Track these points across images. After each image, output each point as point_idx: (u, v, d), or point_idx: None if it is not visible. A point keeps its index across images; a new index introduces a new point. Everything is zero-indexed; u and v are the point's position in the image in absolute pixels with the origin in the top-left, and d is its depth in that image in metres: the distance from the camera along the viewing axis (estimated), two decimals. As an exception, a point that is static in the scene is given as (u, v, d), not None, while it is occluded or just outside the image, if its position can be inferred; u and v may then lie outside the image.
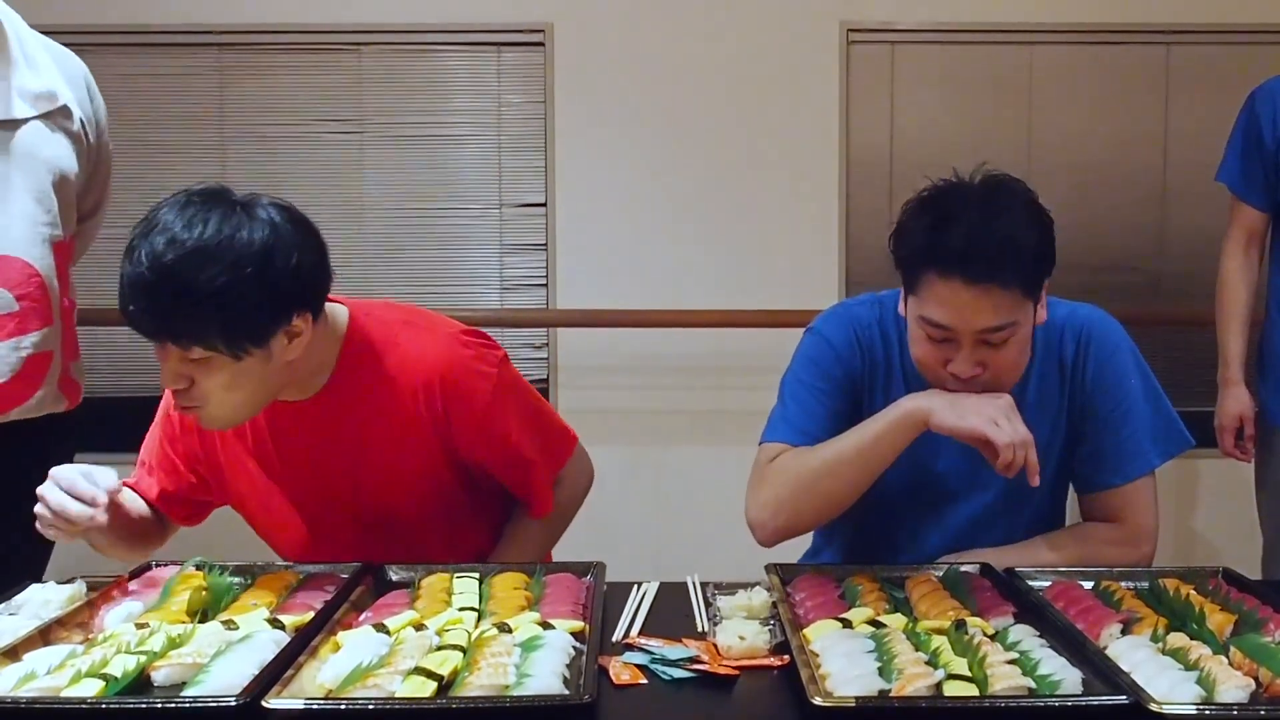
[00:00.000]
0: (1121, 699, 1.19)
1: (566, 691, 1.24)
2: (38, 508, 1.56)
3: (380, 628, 1.41)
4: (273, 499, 1.82)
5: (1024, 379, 1.74)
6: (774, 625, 1.47)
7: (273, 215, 1.56)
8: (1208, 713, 1.18)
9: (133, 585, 1.60)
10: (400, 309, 1.82)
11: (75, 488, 1.55)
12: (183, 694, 1.23)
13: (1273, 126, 2.50)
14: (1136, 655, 1.31)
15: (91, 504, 1.55)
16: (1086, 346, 1.79)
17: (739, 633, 1.42)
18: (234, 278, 1.49)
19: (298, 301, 1.58)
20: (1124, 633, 1.41)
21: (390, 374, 1.73)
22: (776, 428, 1.81)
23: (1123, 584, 1.61)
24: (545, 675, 1.25)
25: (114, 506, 1.67)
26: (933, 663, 1.30)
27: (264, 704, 1.18)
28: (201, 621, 1.49)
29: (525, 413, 1.84)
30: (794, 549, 2.07)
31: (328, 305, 1.69)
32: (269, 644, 1.35)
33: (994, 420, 1.56)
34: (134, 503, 1.84)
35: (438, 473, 1.80)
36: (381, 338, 1.74)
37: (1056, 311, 1.79)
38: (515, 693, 1.22)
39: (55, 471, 1.57)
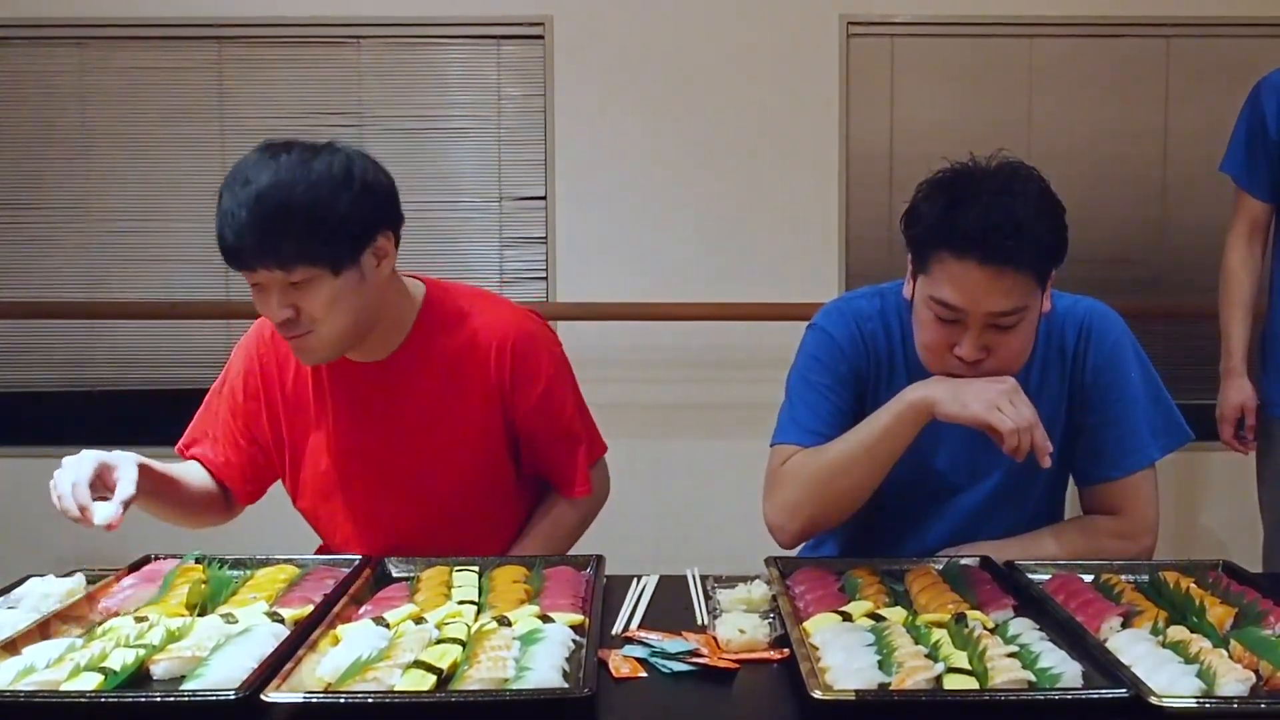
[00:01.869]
0: (1121, 692, 1.19)
1: (566, 685, 1.24)
2: (56, 500, 1.55)
3: (380, 621, 1.41)
4: (327, 468, 1.87)
5: (1026, 367, 1.73)
6: (774, 618, 1.47)
7: (348, 148, 1.70)
8: (1208, 706, 1.18)
9: (131, 578, 1.60)
10: (472, 286, 1.95)
11: (63, 495, 1.54)
12: (182, 687, 1.23)
13: (1277, 118, 2.51)
14: (1137, 648, 1.31)
15: (77, 516, 1.54)
16: (1088, 339, 1.79)
17: (739, 626, 1.42)
18: (321, 192, 1.61)
19: (381, 217, 1.71)
20: (1124, 626, 1.41)
21: (464, 338, 1.83)
22: (786, 429, 1.81)
23: (1123, 577, 1.61)
24: (544, 669, 1.25)
25: (169, 481, 1.76)
26: (933, 656, 1.30)
27: (263, 697, 1.18)
28: (201, 615, 1.49)
29: (577, 396, 1.94)
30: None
31: (405, 278, 1.83)
32: (268, 637, 1.35)
33: (996, 405, 1.56)
34: (195, 476, 1.88)
35: (492, 443, 1.87)
36: (456, 306, 1.86)
37: (1059, 304, 1.79)
38: (514, 686, 1.22)
39: (75, 477, 1.55)
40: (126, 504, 1.57)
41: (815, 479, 1.72)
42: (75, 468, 1.56)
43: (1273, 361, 2.63)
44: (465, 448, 1.85)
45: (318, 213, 1.60)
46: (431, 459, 1.85)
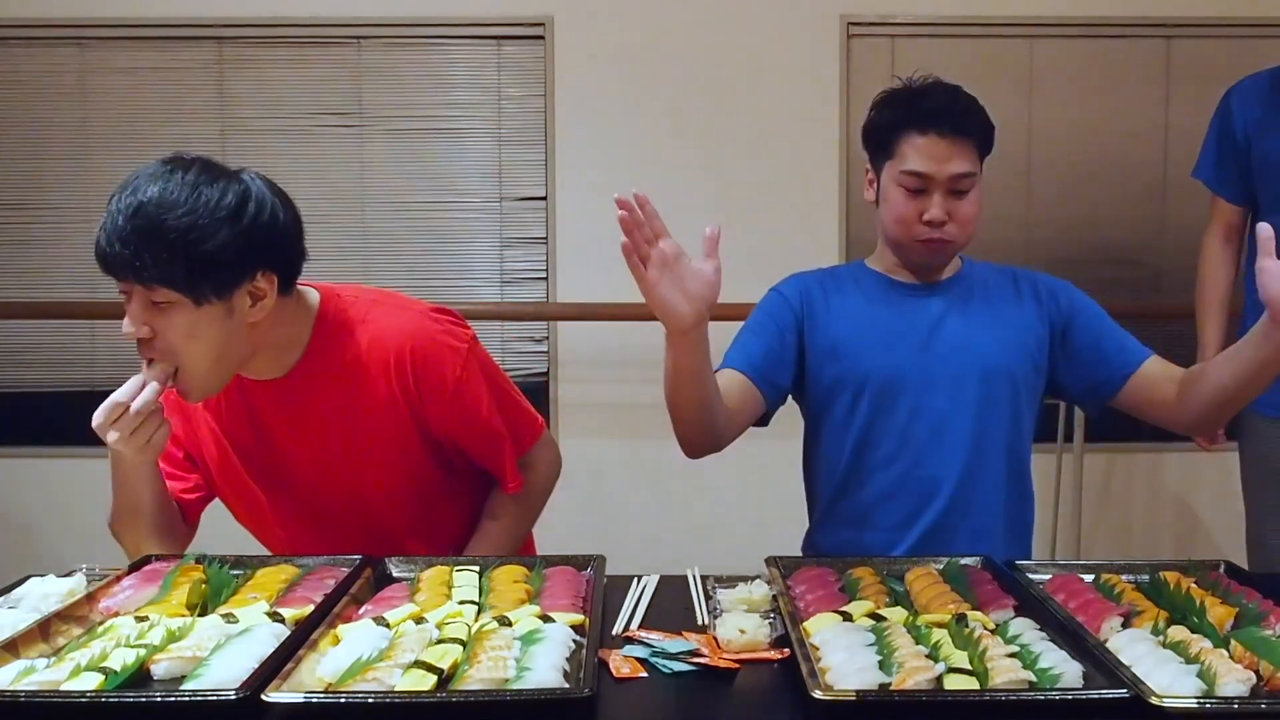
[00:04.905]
0: (1122, 692, 1.19)
1: (566, 685, 1.24)
2: (122, 435, 1.61)
3: (380, 621, 1.41)
4: (247, 482, 1.84)
5: (1012, 283, 1.99)
6: (774, 618, 1.47)
7: (253, 178, 1.66)
8: (1208, 706, 1.18)
9: (131, 578, 1.60)
10: (371, 290, 1.86)
11: (118, 398, 1.61)
12: (182, 687, 1.23)
13: (1244, 124, 2.58)
14: (1137, 649, 1.31)
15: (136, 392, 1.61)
16: (1053, 287, 2.00)
17: (739, 626, 1.42)
18: (201, 220, 1.57)
19: (263, 258, 1.64)
20: (1124, 626, 1.41)
21: (362, 350, 1.77)
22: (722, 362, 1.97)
23: (1123, 577, 1.61)
24: (545, 669, 1.25)
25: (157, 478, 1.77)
26: (933, 656, 1.30)
27: (263, 697, 1.18)
28: (201, 615, 1.49)
29: (495, 390, 1.87)
30: (795, 541, 2.07)
31: (301, 287, 1.75)
32: (268, 637, 1.35)
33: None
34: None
35: (410, 450, 1.82)
36: (353, 316, 1.79)
37: (1011, 268, 2.05)
38: (515, 686, 1.22)
39: (97, 417, 1.62)
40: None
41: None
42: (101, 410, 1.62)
43: None
44: (381, 459, 1.81)
45: (189, 239, 1.56)
46: (349, 474, 1.81)
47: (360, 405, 1.77)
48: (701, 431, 1.81)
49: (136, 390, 1.61)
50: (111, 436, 1.62)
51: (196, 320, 1.61)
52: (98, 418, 1.62)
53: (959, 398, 1.91)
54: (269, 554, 1.74)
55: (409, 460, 1.83)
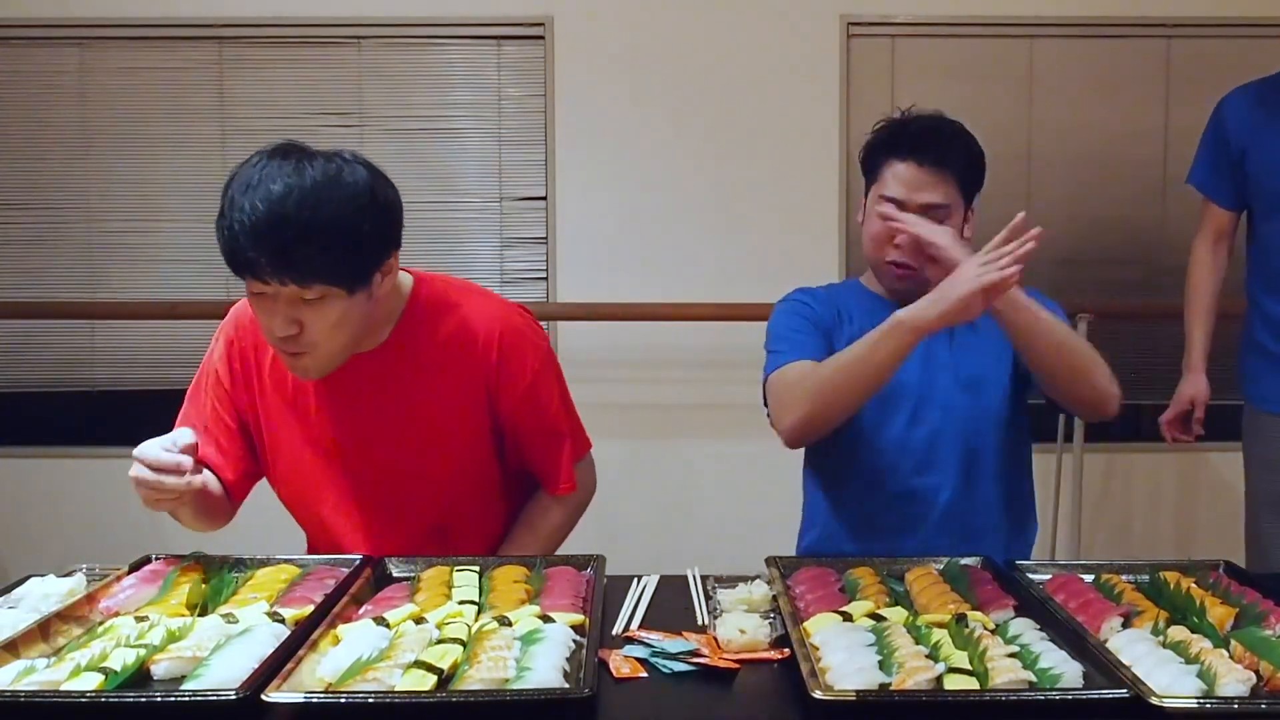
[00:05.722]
0: (1122, 693, 1.19)
1: (566, 685, 1.24)
2: (137, 488, 1.60)
3: (380, 621, 1.41)
4: (308, 457, 1.85)
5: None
6: (774, 618, 1.47)
7: (360, 159, 1.65)
8: (1208, 706, 1.18)
9: (131, 578, 1.60)
10: (460, 279, 1.91)
11: (160, 462, 1.60)
12: (182, 687, 1.23)
13: (1237, 132, 2.65)
14: (1137, 649, 1.31)
15: (179, 471, 1.60)
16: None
17: (739, 626, 1.42)
18: (352, 212, 1.57)
19: (395, 237, 1.69)
20: (1125, 626, 1.42)
21: (451, 330, 1.81)
22: (780, 357, 1.93)
23: (1123, 577, 1.61)
24: (545, 669, 1.25)
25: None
26: (933, 656, 1.30)
27: (264, 697, 1.18)
28: (201, 615, 1.49)
29: (563, 393, 1.92)
30: (795, 541, 2.07)
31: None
32: (269, 637, 1.35)
33: (955, 279, 1.69)
34: (208, 473, 1.86)
35: (479, 437, 1.85)
36: (444, 298, 1.83)
37: None
38: (515, 686, 1.22)
39: (138, 451, 1.61)
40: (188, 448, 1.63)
41: (821, 383, 1.82)
42: (145, 453, 1.61)
43: (1250, 357, 2.71)
44: (450, 441, 1.84)
45: (342, 230, 1.56)
46: (416, 452, 1.83)
47: (441, 383, 1.81)
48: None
49: (175, 464, 1.61)
50: (134, 471, 1.61)
51: (349, 307, 1.63)
52: (140, 451, 1.62)
53: (952, 409, 1.94)
54: (268, 554, 1.73)
55: (474, 448, 1.86)
